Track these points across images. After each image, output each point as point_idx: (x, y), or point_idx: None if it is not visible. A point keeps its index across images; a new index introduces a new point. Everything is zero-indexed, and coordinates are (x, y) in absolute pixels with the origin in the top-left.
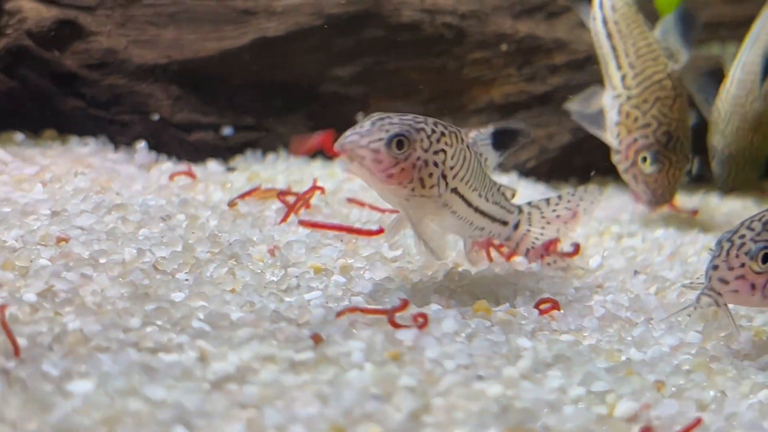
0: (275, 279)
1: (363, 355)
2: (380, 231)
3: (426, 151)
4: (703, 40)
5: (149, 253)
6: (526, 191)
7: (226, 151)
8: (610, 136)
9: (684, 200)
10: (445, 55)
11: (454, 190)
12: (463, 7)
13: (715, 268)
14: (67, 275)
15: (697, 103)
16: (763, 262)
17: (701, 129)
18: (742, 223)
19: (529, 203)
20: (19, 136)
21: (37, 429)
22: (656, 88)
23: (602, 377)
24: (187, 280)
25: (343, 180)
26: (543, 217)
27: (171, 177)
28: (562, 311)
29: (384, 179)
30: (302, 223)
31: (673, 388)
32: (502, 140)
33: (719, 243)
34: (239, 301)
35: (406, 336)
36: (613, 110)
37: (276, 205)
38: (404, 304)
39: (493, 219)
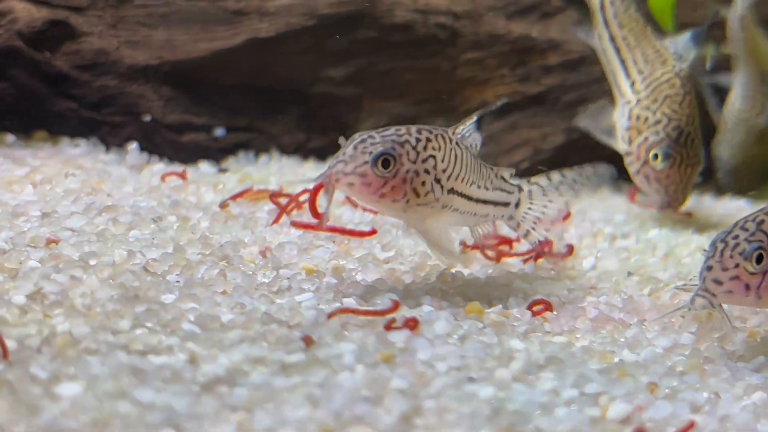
0: (266, 281)
1: (354, 357)
2: (373, 232)
3: (414, 162)
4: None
5: (140, 255)
6: None
7: (218, 153)
8: (621, 142)
9: None
10: (438, 55)
11: (452, 191)
12: (456, 7)
13: (709, 268)
14: (56, 277)
15: (708, 108)
16: (758, 263)
17: (707, 133)
18: (736, 224)
19: (528, 180)
20: (9, 137)
21: None
22: (665, 87)
23: (595, 379)
24: (177, 281)
25: None
26: (545, 195)
27: (162, 178)
28: (555, 313)
29: (376, 199)
30: (294, 224)
31: (666, 390)
32: (482, 122)
33: (713, 244)
34: (230, 302)
35: (398, 338)
36: (623, 118)
37: (268, 206)
38: (395, 306)
39: (495, 204)
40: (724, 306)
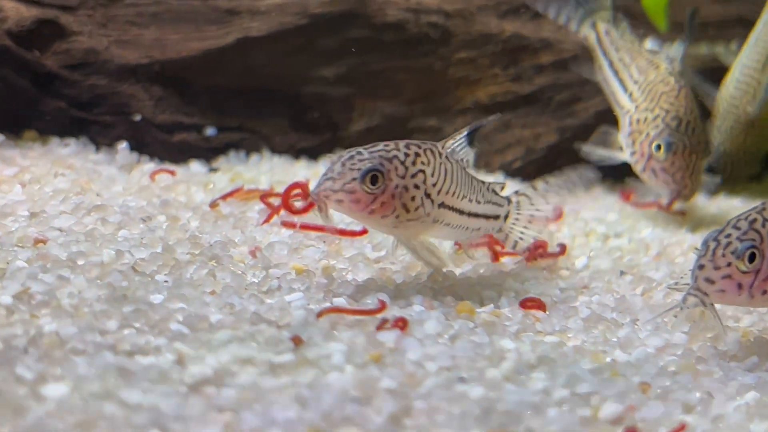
0: (256, 280)
1: (344, 357)
2: (364, 232)
3: (403, 177)
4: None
5: (128, 255)
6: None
7: (209, 152)
8: (625, 148)
9: None
10: (430, 55)
11: (442, 205)
12: (448, 6)
13: (701, 267)
14: (43, 277)
15: (701, 97)
16: (750, 262)
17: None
18: (728, 223)
19: (516, 192)
20: None
21: None
22: (660, 86)
23: (587, 379)
24: (166, 281)
25: None
26: (532, 204)
27: (152, 176)
28: (547, 312)
29: (366, 216)
30: (285, 223)
31: (658, 390)
32: (474, 136)
33: (705, 243)
34: (219, 303)
35: (388, 338)
36: (625, 127)
37: (258, 205)
38: (382, 306)
39: (487, 217)
40: (718, 305)
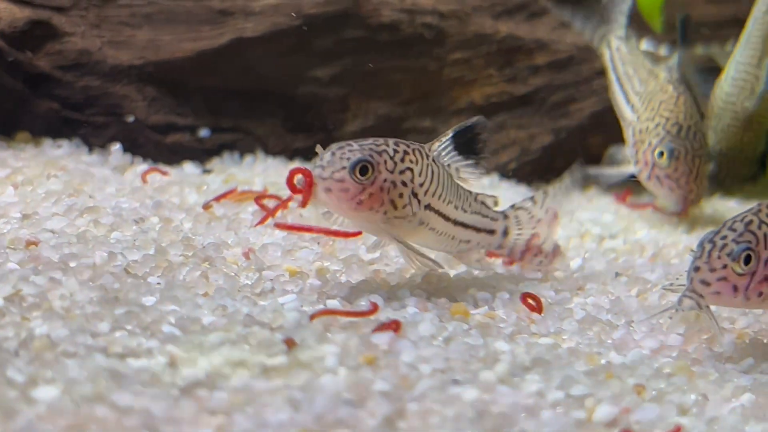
0: (249, 282)
1: (337, 359)
2: (358, 233)
3: (392, 172)
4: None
5: (121, 257)
6: (508, 193)
7: (202, 154)
8: (630, 158)
9: None
10: (425, 55)
11: (428, 207)
12: (443, 7)
13: (697, 269)
14: (35, 279)
15: (696, 98)
16: (746, 264)
17: None
18: (724, 224)
19: (512, 206)
20: None
21: None
22: (658, 95)
23: (581, 381)
24: (158, 283)
25: None
26: (532, 217)
27: (143, 176)
28: (542, 315)
29: (354, 207)
30: (279, 225)
31: (653, 392)
32: (463, 141)
33: (701, 244)
34: (211, 305)
35: (382, 340)
36: (629, 139)
37: (252, 207)
38: (374, 308)
39: (477, 230)
40: (713, 307)
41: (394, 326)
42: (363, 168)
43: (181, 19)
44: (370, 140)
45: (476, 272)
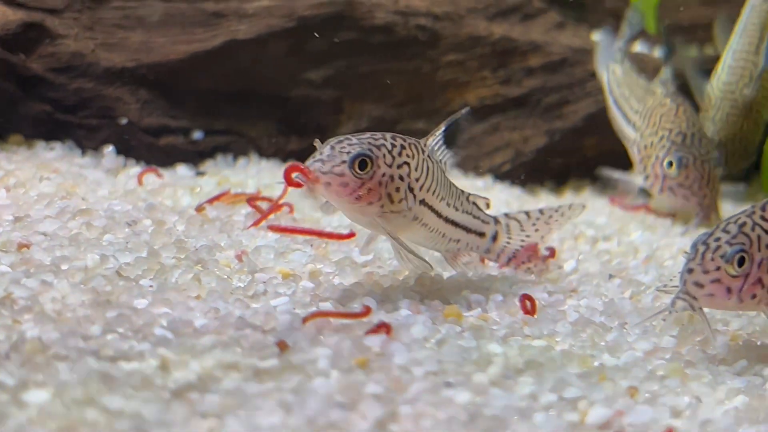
0: (242, 285)
1: (329, 362)
2: (351, 235)
3: (390, 166)
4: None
5: (113, 259)
6: (502, 195)
7: (196, 156)
8: (639, 174)
9: None
10: (419, 57)
11: (423, 202)
12: (437, 8)
13: (690, 271)
14: (26, 282)
15: (692, 90)
16: (739, 266)
17: None
18: (717, 226)
19: (506, 214)
20: None
21: None
22: (658, 109)
23: (574, 383)
24: (151, 286)
25: None
26: (522, 230)
27: (139, 177)
28: (535, 317)
29: (353, 201)
30: (272, 227)
31: (646, 394)
32: (451, 136)
33: (694, 246)
34: (204, 307)
35: (374, 342)
36: (635, 157)
37: (245, 209)
38: (366, 311)
39: (467, 230)
40: (707, 309)
41: (385, 329)
42: (362, 162)
43: (175, 21)
44: (368, 134)
45: (470, 274)
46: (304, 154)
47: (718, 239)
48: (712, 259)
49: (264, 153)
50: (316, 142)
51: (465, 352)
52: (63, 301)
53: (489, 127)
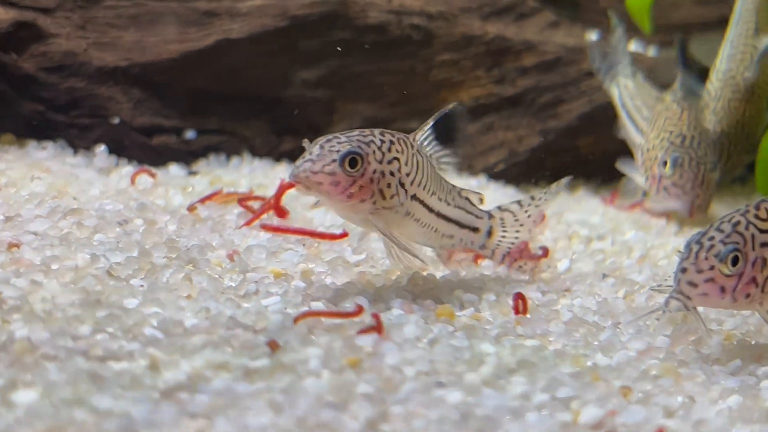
0: (233, 284)
1: (320, 362)
2: (344, 235)
3: (380, 162)
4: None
5: (103, 259)
6: (496, 194)
7: (188, 155)
8: (641, 176)
9: None
10: (412, 57)
11: (414, 197)
12: (431, 8)
13: (684, 271)
14: (16, 281)
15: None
16: (733, 265)
17: None
18: (711, 225)
19: (499, 207)
20: None
21: None
22: (663, 113)
23: (567, 383)
24: (141, 286)
25: None
26: (516, 220)
27: (132, 177)
28: (528, 316)
29: (345, 199)
30: (264, 227)
31: (639, 394)
32: (442, 130)
33: (688, 245)
34: (195, 307)
35: (366, 342)
36: (638, 160)
37: (237, 209)
38: (359, 310)
39: (460, 225)
40: (700, 309)
41: (377, 328)
42: (352, 160)
43: (167, 21)
44: (357, 131)
45: (463, 273)
46: (296, 153)
47: (712, 238)
48: (706, 259)
49: (257, 153)
50: (305, 142)
51: (457, 352)
52: (53, 301)
53: (483, 126)
